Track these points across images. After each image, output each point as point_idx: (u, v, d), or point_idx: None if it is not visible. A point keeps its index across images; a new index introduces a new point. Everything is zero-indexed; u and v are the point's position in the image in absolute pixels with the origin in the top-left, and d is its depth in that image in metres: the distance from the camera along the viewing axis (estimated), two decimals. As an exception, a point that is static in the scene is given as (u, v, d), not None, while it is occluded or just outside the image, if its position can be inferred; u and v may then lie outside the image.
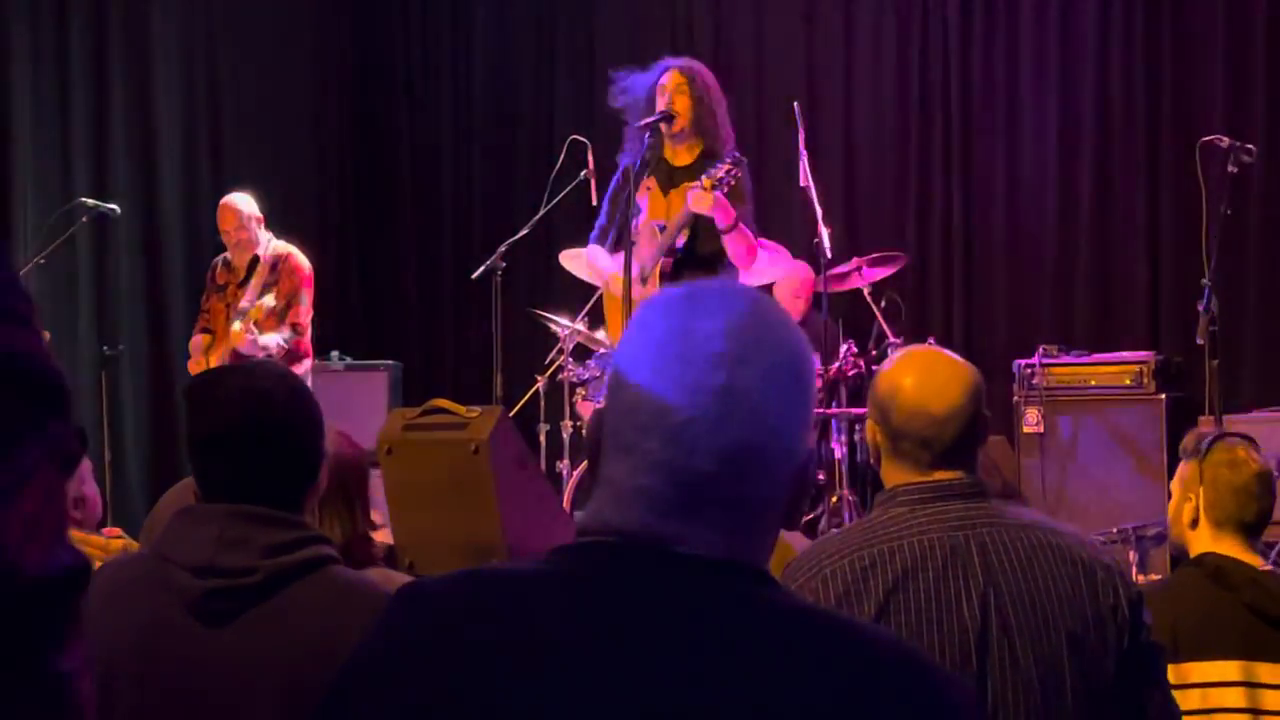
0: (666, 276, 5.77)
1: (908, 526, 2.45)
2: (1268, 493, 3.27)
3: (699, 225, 5.79)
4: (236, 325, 6.99)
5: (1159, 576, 6.67)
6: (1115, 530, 6.77)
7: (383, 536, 3.42)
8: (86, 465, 3.52)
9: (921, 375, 2.56)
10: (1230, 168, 6.03)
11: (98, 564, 3.24)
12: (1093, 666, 2.43)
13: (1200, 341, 5.96)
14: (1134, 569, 6.47)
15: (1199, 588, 3.21)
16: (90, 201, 7.65)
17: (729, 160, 5.62)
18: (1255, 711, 3.13)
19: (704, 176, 5.62)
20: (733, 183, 5.62)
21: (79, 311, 8.25)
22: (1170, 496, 3.41)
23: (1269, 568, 3.26)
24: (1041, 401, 7.33)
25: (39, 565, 0.87)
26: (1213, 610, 3.16)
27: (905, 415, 2.53)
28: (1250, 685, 3.14)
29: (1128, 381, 7.31)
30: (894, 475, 2.55)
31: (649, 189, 5.93)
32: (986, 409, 2.57)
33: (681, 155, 5.95)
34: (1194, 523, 3.31)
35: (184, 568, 2.29)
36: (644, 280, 5.77)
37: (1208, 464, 3.29)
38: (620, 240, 5.74)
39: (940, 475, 2.50)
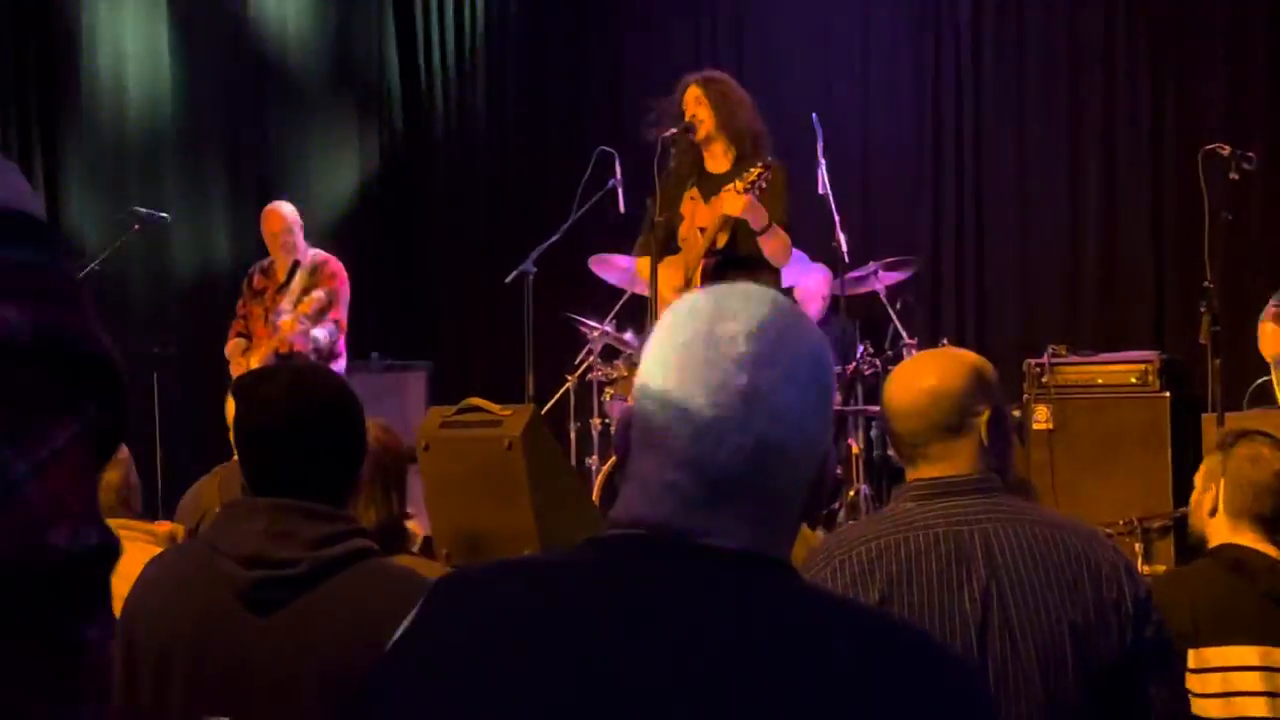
0: (709, 276, 5.75)
1: (914, 519, 2.45)
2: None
3: (738, 227, 5.77)
4: (287, 318, 7.02)
5: (1164, 567, 6.65)
6: (1121, 522, 6.74)
7: (415, 527, 3.44)
8: (130, 458, 3.54)
9: (898, 376, 2.59)
10: (1231, 175, 6.00)
11: (149, 547, 3.28)
12: (1095, 658, 2.41)
13: (1203, 342, 5.94)
14: (1139, 559, 6.45)
15: (1218, 576, 3.22)
16: (143, 210, 7.69)
17: (761, 164, 5.60)
18: (1273, 694, 3.13)
19: (737, 180, 5.62)
20: (765, 186, 5.60)
21: (131, 313, 8.29)
22: (1194, 488, 3.42)
23: None
24: (1050, 399, 7.31)
25: (68, 541, 0.88)
26: (1231, 598, 3.17)
27: (886, 417, 2.56)
28: (1269, 669, 3.14)
29: (1133, 380, 7.28)
30: (909, 473, 2.56)
31: (692, 198, 5.92)
32: (998, 401, 2.56)
33: (719, 161, 5.93)
34: (1213, 512, 3.33)
35: (233, 559, 2.31)
36: (688, 281, 5.77)
37: (1231, 458, 3.31)
38: (667, 248, 5.78)
39: (942, 470, 2.50)
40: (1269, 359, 6.04)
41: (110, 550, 0.91)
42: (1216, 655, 3.13)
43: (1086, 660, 2.39)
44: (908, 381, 2.54)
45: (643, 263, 5.97)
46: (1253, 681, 3.13)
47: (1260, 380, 6.20)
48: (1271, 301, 6.06)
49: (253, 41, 9.13)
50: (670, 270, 5.84)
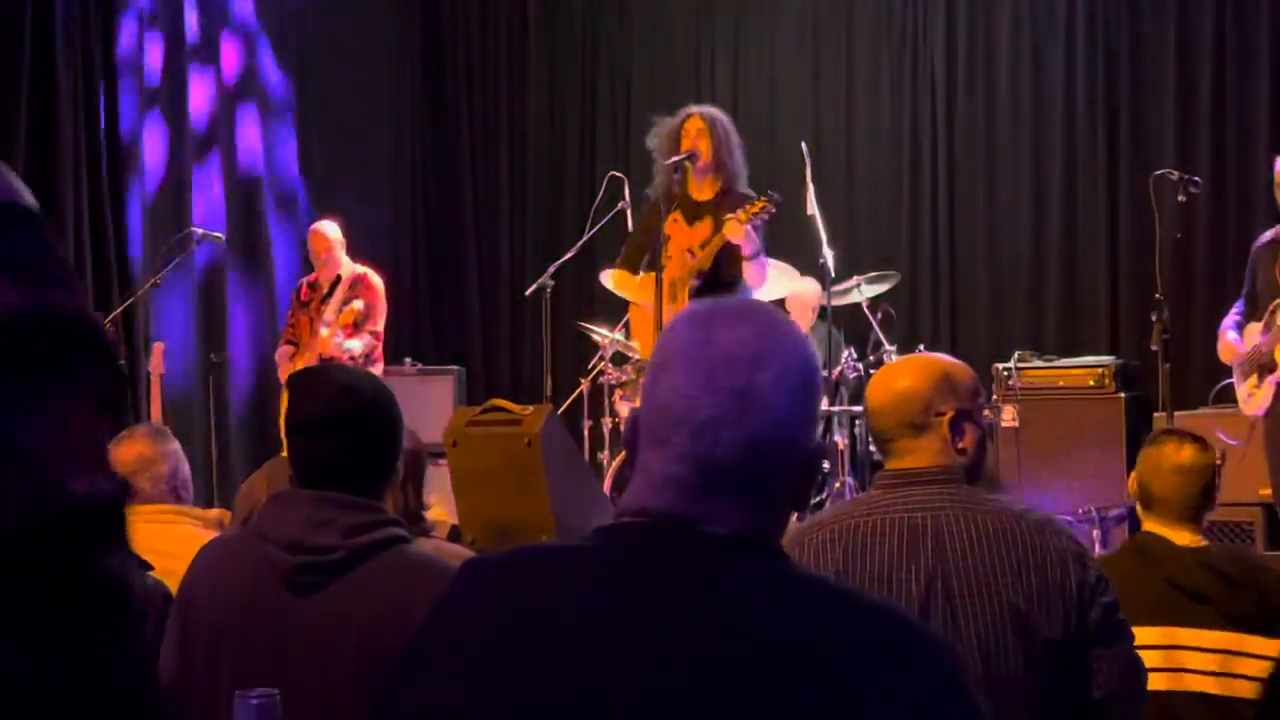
0: (694, 294, 5.76)
1: (876, 505, 2.46)
2: (1189, 482, 3.25)
3: (723, 252, 5.78)
4: (324, 331, 7.03)
5: (1104, 553, 6.63)
6: (1080, 512, 6.73)
7: (437, 515, 3.44)
8: (181, 451, 3.55)
9: (877, 378, 2.62)
10: (1180, 197, 5.99)
11: (200, 531, 3.29)
12: (1039, 638, 2.38)
13: (1154, 347, 5.91)
14: (1097, 546, 6.42)
15: (1128, 563, 3.22)
16: (200, 231, 7.70)
17: (766, 198, 5.59)
18: (1173, 670, 3.13)
19: (740, 210, 5.60)
20: (765, 219, 5.61)
21: (192, 325, 8.29)
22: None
23: (1203, 544, 3.25)
24: (1016, 400, 7.29)
25: (84, 489, 0.89)
26: (1137, 582, 3.14)
27: (866, 414, 2.57)
28: (1168, 648, 3.14)
29: (1091, 383, 7.27)
30: (885, 465, 2.57)
31: (675, 220, 5.92)
32: (965, 403, 2.54)
33: (704, 190, 5.94)
34: (1137, 502, 3.34)
35: (277, 544, 2.30)
36: (674, 297, 5.77)
37: (1142, 455, 3.34)
38: (646, 263, 5.75)
39: (908, 462, 2.50)
40: (1227, 363, 5.99)
41: (124, 494, 0.93)
42: None
43: (1029, 641, 2.36)
44: (884, 382, 2.57)
45: (621, 275, 5.99)
46: (1153, 659, 3.11)
47: (1225, 381, 6.17)
48: (1233, 312, 6.02)
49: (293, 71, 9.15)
50: (643, 283, 5.83)
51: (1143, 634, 3.11)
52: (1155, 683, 3.11)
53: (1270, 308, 5.78)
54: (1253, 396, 5.78)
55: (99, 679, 0.92)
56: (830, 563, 2.39)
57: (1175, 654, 3.13)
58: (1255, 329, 5.77)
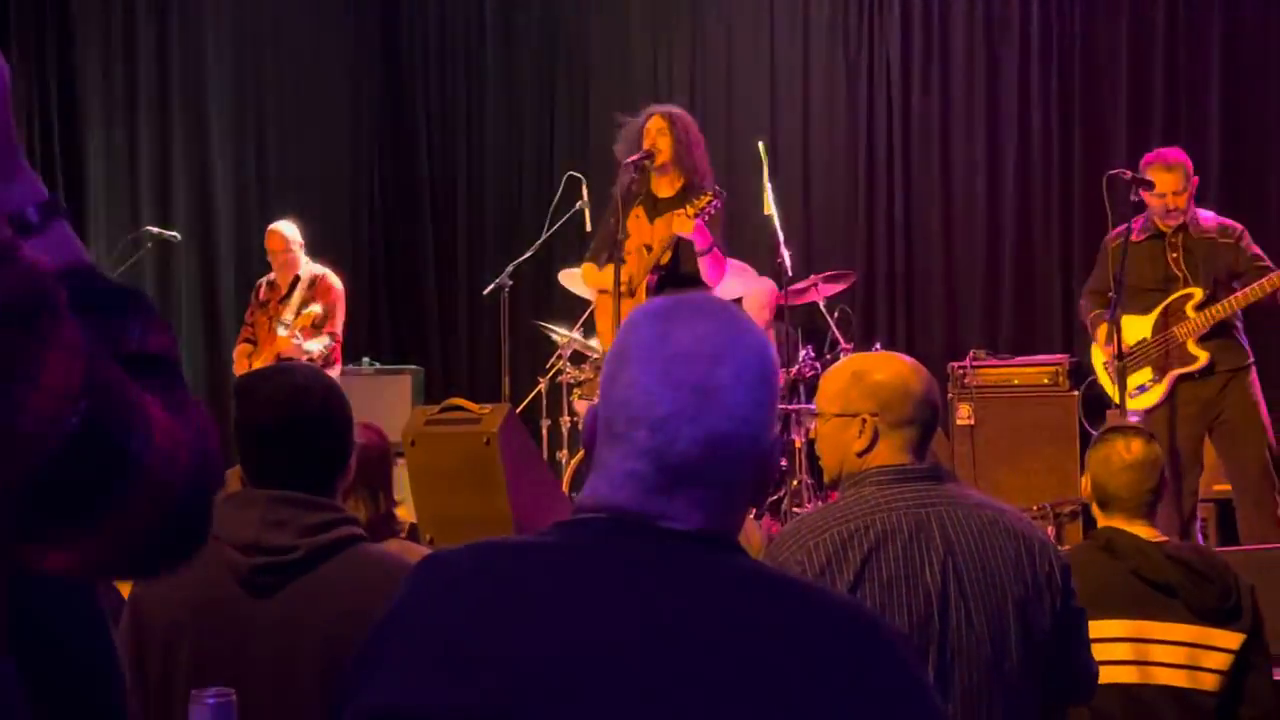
0: (652, 290, 5.76)
1: (877, 504, 2.45)
2: (1141, 477, 3.26)
3: (680, 247, 5.78)
4: (283, 331, 7.00)
5: (1069, 547, 6.67)
6: (1035, 508, 6.77)
7: (402, 514, 3.40)
8: None
9: (883, 363, 2.63)
10: (1132, 197, 6.01)
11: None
12: (1034, 625, 2.42)
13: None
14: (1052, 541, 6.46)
15: (1093, 557, 3.22)
16: (154, 230, 7.63)
17: (711, 192, 5.61)
18: (1142, 663, 3.14)
19: (688, 205, 5.61)
20: (712, 213, 5.62)
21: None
22: None
23: (1162, 539, 3.26)
24: (972, 398, 7.33)
25: (83, 416, 1.00)
26: (1103, 576, 3.16)
27: (893, 397, 2.56)
28: (1138, 641, 3.14)
29: (1045, 381, 7.31)
30: (867, 461, 2.56)
31: (637, 216, 5.92)
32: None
33: (664, 188, 5.94)
34: (1093, 502, 3.34)
35: (233, 546, 2.28)
36: (632, 293, 5.77)
37: (1090, 454, 3.34)
38: (611, 258, 5.74)
39: (901, 459, 2.51)
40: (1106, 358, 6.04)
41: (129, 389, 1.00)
42: (1091, 629, 3.13)
43: (1027, 629, 2.40)
44: (900, 374, 2.58)
45: (588, 269, 5.99)
46: (1123, 652, 3.14)
47: (1090, 379, 6.23)
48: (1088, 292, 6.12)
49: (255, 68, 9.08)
50: (604, 276, 5.84)
51: (1112, 627, 3.13)
52: (1125, 676, 3.12)
53: (1167, 301, 5.81)
54: (1147, 391, 5.81)
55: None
56: (849, 567, 2.37)
57: (1144, 647, 3.14)
58: (1138, 322, 5.81)
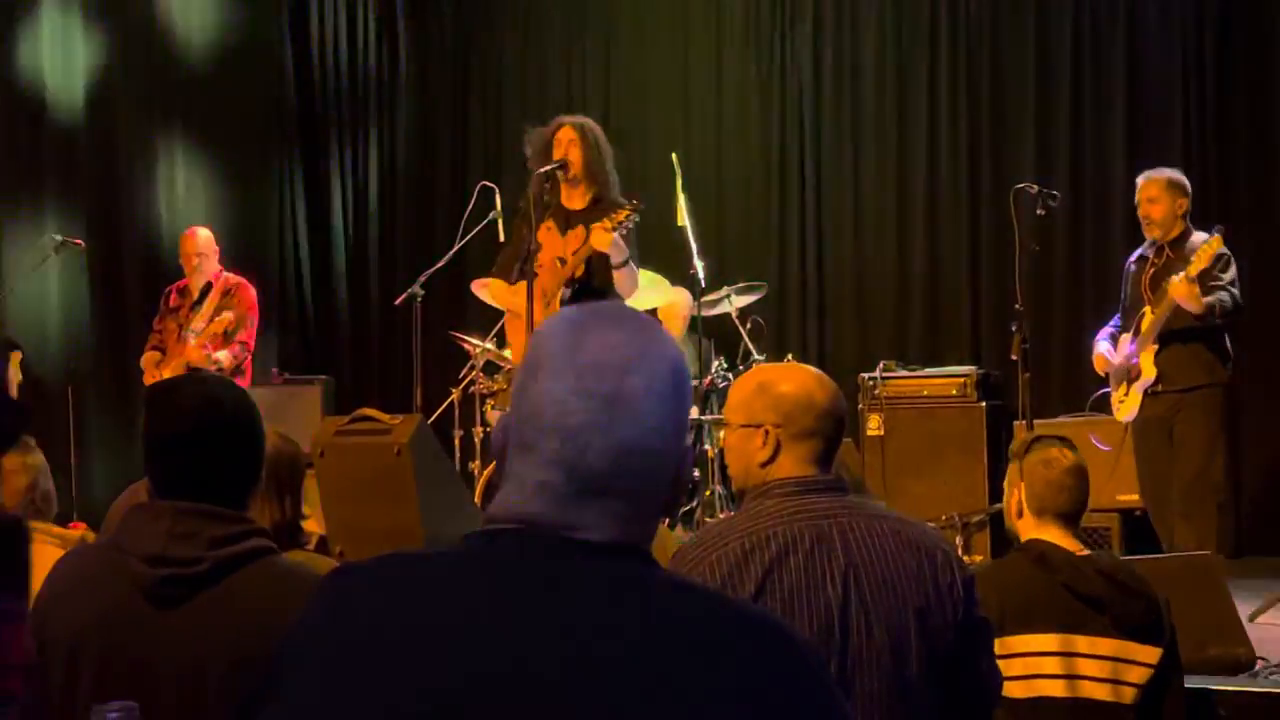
0: (565, 303, 5.74)
1: (780, 516, 2.45)
2: (1079, 485, 3.29)
3: (594, 261, 5.77)
4: (192, 340, 6.91)
5: (981, 558, 6.74)
6: (943, 518, 6.84)
7: (311, 526, 3.36)
8: (44, 465, 3.41)
9: (789, 379, 2.59)
10: (1039, 210, 6.11)
11: (58, 551, 3.16)
12: (935, 636, 2.43)
13: (1014, 358, 6.03)
14: (960, 550, 6.53)
15: (1023, 570, 3.22)
16: (59, 237, 7.50)
17: (629, 206, 5.59)
18: (1070, 676, 3.15)
19: (606, 219, 5.59)
20: (630, 226, 5.61)
21: (48, 333, 8.07)
22: (1002, 491, 3.45)
23: (1087, 552, 3.28)
24: (882, 409, 7.39)
25: None
26: (1033, 589, 3.17)
27: (796, 408, 2.54)
28: (1066, 655, 3.15)
29: (954, 392, 7.39)
30: (773, 471, 2.55)
31: (548, 229, 5.89)
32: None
33: (576, 199, 5.92)
34: (1019, 514, 3.33)
35: (139, 557, 2.24)
36: (546, 305, 5.74)
37: (1026, 463, 3.32)
38: (521, 272, 5.71)
39: (805, 471, 2.51)
40: (1100, 373, 6.22)
41: (17, 529, 0.91)
42: (1019, 642, 3.14)
43: (929, 640, 2.41)
44: (808, 391, 2.56)
45: (495, 283, 5.96)
46: (1052, 665, 3.15)
47: (1102, 391, 6.35)
48: (1109, 325, 6.25)
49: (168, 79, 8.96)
50: (517, 291, 5.80)
51: (1041, 641, 3.13)
52: (1053, 689, 3.13)
53: (1137, 319, 5.99)
54: (1123, 404, 6.01)
55: None
56: (750, 579, 2.37)
57: (1072, 661, 3.15)
58: (1126, 340, 6.00)
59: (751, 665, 1.28)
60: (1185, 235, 5.99)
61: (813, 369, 2.65)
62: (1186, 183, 6.06)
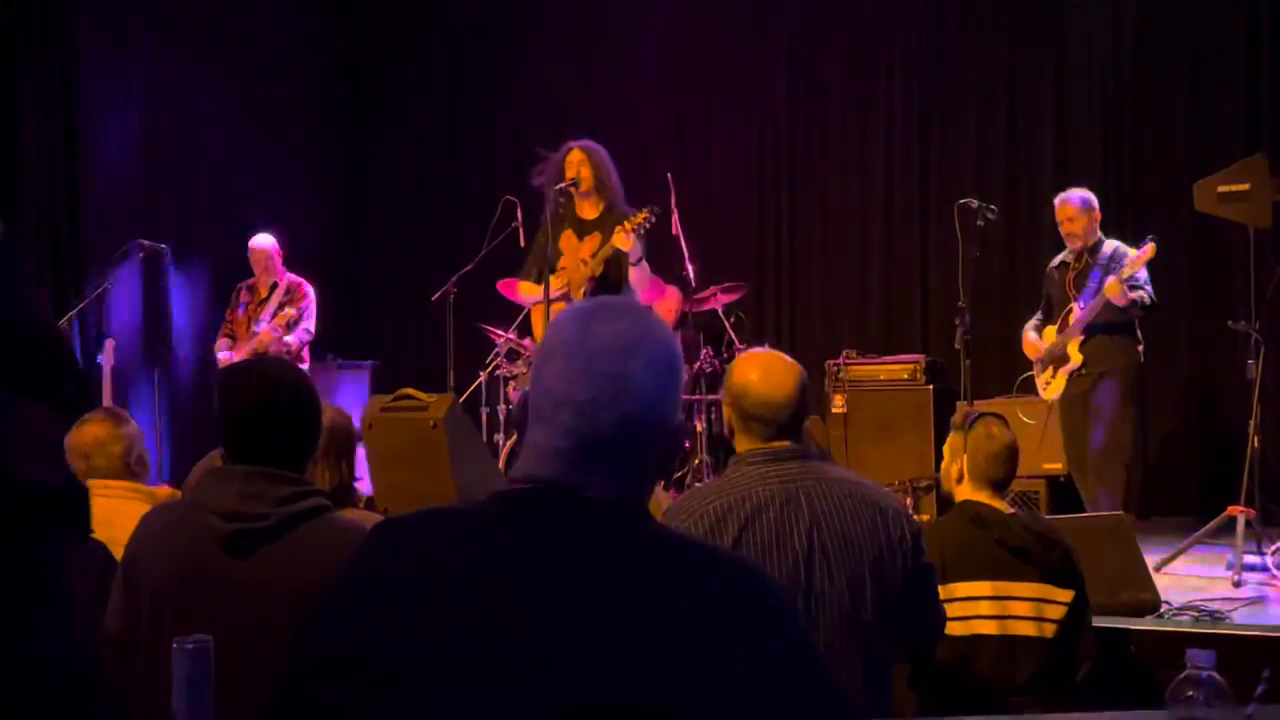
0: (587, 296, 5.73)
1: (754, 480, 2.46)
2: (1013, 459, 3.33)
3: (611, 261, 5.76)
4: (265, 328, 6.99)
5: (927, 516, 6.76)
6: (896, 482, 6.85)
7: (362, 488, 3.36)
8: (139, 432, 3.42)
9: (765, 373, 2.58)
10: (979, 222, 6.11)
11: (148, 506, 3.17)
12: (887, 581, 2.44)
13: (957, 347, 6.05)
14: (909, 509, 6.54)
15: (961, 527, 3.25)
16: (146, 242, 7.49)
17: (648, 210, 5.58)
18: (1001, 617, 3.18)
19: (627, 221, 5.58)
20: (647, 228, 5.61)
21: (141, 324, 8.07)
22: (942, 459, 3.46)
23: (1013, 511, 3.31)
24: (845, 390, 7.41)
25: (36, 479, 0.85)
26: (971, 543, 3.19)
27: (753, 402, 2.54)
28: (998, 599, 3.18)
29: (905, 376, 7.40)
30: (744, 444, 2.57)
31: (568, 237, 5.89)
32: (809, 396, 2.61)
33: (588, 210, 5.91)
34: (959, 479, 3.35)
35: (215, 513, 2.25)
36: (569, 299, 5.74)
37: (971, 436, 3.34)
38: (541, 274, 5.72)
39: (776, 444, 2.52)
40: (1031, 358, 6.28)
41: (71, 490, 0.88)
42: (960, 589, 3.16)
43: (881, 584, 2.42)
44: (780, 380, 2.57)
45: (525, 284, 5.97)
46: (986, 608, 3.18)
47: (1026, 374, 6.38)
48: (1037, 317, 6.30)
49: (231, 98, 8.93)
50: (539, 290, 5.80)
51: (977, 587, 3.16)
52: (987, 628, 3.16)
53: (1064, 313, 6.03)
54: (1049, 385, 6.06)
55: (36, 659, 0.87)
56: (729, 532, 2.39)
57: (1004, 604, 3.18)
58: (1052, 331, 6.04)
59: (732, 600, 1.29)
60: (1100, 242, 6.07)
61: (781, 358, 2.65)
62: (1095, 200, 6.14)
